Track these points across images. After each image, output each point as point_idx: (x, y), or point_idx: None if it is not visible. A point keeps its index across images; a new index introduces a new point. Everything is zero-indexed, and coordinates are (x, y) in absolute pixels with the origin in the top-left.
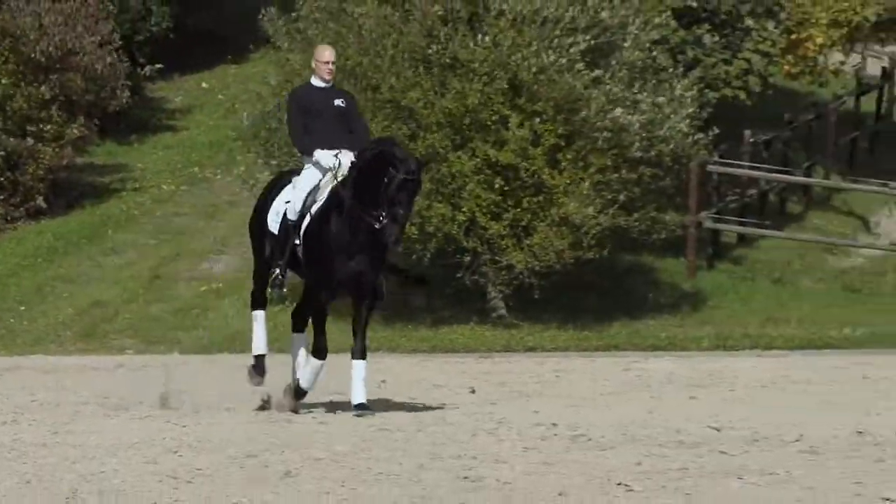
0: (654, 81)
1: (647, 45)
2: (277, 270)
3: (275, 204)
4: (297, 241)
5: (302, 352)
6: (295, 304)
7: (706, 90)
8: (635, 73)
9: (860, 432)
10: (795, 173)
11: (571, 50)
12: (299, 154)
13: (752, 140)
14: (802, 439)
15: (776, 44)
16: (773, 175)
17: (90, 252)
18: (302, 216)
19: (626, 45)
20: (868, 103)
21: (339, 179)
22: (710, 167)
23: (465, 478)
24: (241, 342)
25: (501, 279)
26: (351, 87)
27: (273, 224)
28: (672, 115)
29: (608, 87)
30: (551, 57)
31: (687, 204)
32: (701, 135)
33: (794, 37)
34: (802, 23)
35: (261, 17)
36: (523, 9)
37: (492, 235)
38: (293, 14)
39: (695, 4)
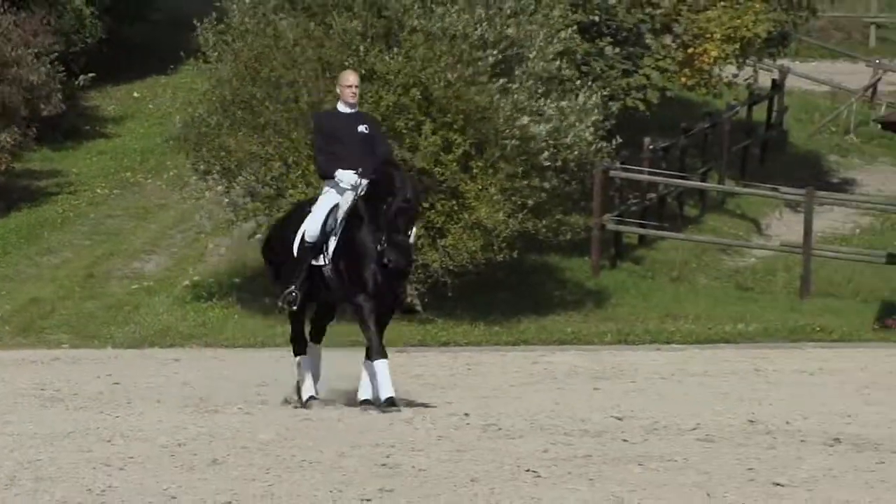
0: (559, 91)
1: (552, 56)
2: (291, 288)
3: (299, 234)
4: (322, 262)
5: (308, 365)
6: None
7: (609, 101)
8: (541, 83)
9: (752, 421)
10: (692, 178)
11: (480, 64)
12: (320, 178)
13: (651, 147)
14: (699, 428)
15: (674, 59)
16: (672, 180)
17: (28, 252)
18: (324, 237)
19: (531, 56)
20: (759, 113)
21: (361, 195)
22: (613, 173)
23: (383, 465)
24: (170, 337)
25: (417, 277)
26: (273, 97)
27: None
28: (577, 123)
29: (515, 96)
30: (455, 74)
31: (591, 207)
32: (604, 143)
33: (690, 51)
34: (698, 37)
35: (197, 24)
36: (433, 26)
37: None
38: (222, 25)
39: (598, 19)
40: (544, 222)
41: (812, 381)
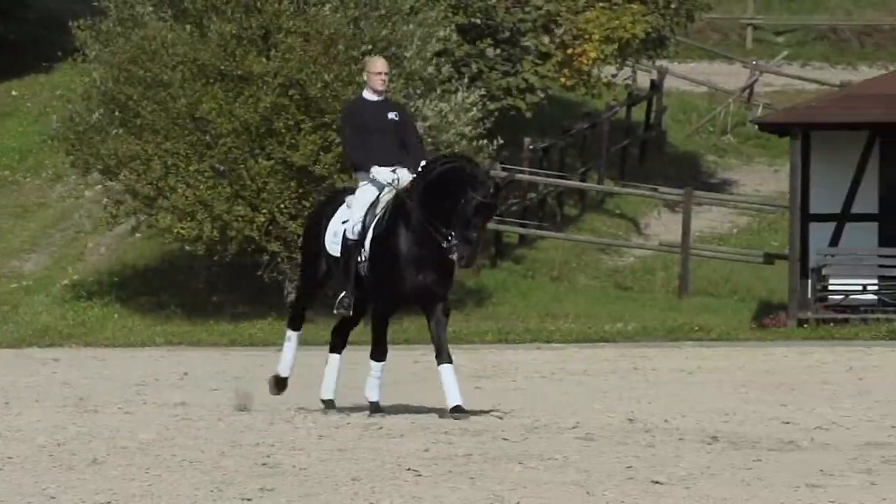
0: (439, 91)
1: (430, 56)
2: (344, 293)
3: (332, 225)
4: (360, 259)
5: (331, 373)
6: (335, 322)
7: (488, 101)
8: (421, 84)
9: (631, 420)
10: (572, 178)
11: (356, 66)
12: (354, 171)
13: (531, 147)
14: (578, 426)
15: (554, 62)
16: (551, 180)
17: None
18: (363, 234)
19: (407, 55)
20: (638, 113)
21: (402, 191)
22: (493, 172)
23: (264, 464)
24: (50, 336)
25: (298, 275)
26: (150, 98)
27: (332, 246)
28: (455, 121)
29: (389, 95)
30: (332, 74)
31: None
32: (485, 143)
33: (569, 51)
34: (577, 38)
35: (72, 24)
36: (309, 28)
37: (290, 235)
38: (97, 26)
39: (479, 21)
40: None
41: (690, 380)
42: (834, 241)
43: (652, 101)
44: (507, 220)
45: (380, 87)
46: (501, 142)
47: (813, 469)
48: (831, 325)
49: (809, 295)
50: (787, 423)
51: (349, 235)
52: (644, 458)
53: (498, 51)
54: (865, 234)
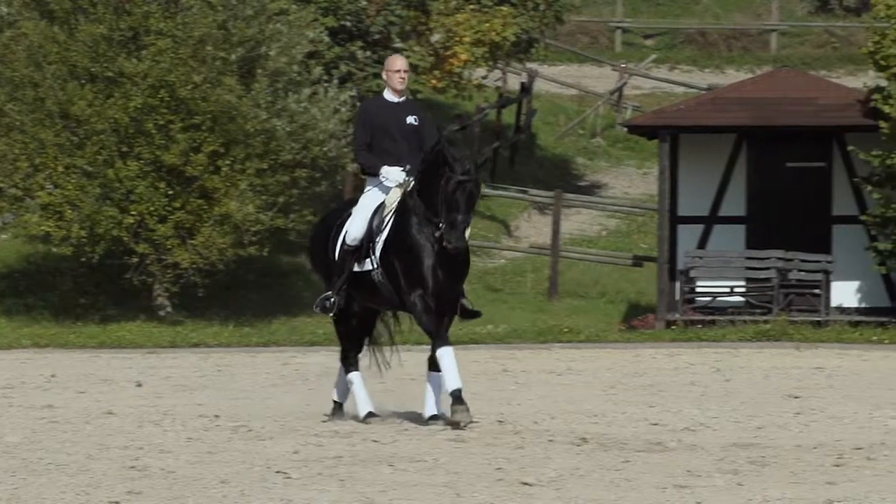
0: (308, 91)
1: (300, 58)
2: (329, 293)
3: (340, 237)
4: (371, 267)
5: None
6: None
7: (359, 102)
8: (290, 84)
9: (501, 421)
10: None
11: (218, 63)
12: (362, 173)
13: None
14: (449, 429)
15: (425, 58)
16: None
17: None
18: (368, 240)
19: (271, 53)
20: (508, 115)
21: (408, 189)
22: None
23: (132, 467)
24: None
25: (167, 278)
26: (18, 99)
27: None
28: (323, 122)
29: (252, 92)
30: (201, 76)
31: None
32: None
33: (440, 54)
34: (449, 41)
35: None
36: (179, 31)
37: (159, 237)
38: None
39: (349, 25)
40: (293, 216)
41: (560, 382)
42: (702, 244)
43: (522, 104)
44: None
45: (399, 87)
46: None
47: (680, 470)
48: (699, 326)
49: (677, 297)
50: (655, 424)
51: (348, 242)
52: (514, 459)
53: (368, 53)
54: (733, 237)
